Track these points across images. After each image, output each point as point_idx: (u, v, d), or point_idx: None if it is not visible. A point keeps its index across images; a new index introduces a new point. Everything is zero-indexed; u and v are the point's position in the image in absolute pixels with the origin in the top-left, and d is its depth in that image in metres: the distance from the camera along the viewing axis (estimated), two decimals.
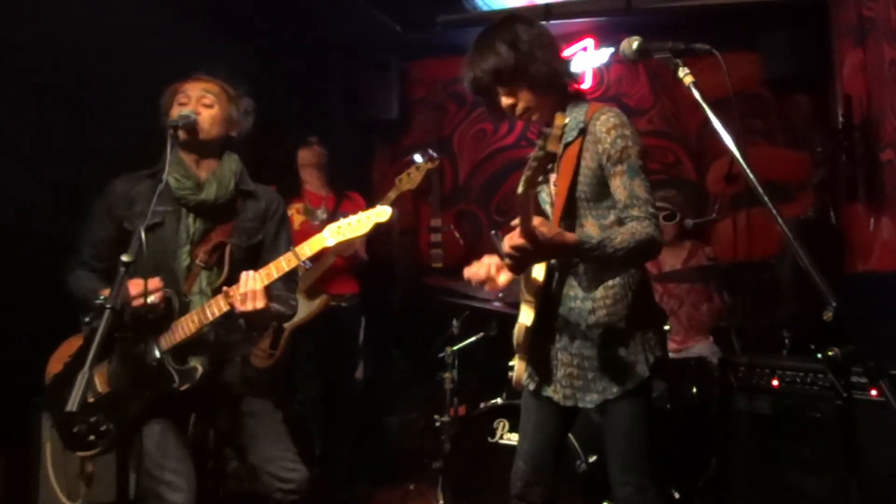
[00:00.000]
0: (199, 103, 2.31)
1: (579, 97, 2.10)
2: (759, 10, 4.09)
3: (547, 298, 2.05)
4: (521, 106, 2.03)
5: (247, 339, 2.47)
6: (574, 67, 2.13)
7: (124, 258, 1.83)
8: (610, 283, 2.01)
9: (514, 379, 2.14)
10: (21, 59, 2.88)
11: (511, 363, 2.24)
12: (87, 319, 2.18)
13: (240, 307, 2.13)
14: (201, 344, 2.27)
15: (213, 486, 2.33)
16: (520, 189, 1.66)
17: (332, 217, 3.35)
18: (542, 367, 2.11)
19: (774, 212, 1.45)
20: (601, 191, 1.98)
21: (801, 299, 3.40)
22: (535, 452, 2.14)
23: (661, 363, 2.02)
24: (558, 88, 2.06)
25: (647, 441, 2.01)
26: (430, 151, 3.76)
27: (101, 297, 1.82)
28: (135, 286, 2.11)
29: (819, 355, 1.33)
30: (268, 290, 2.17)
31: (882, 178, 3.28)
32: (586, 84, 4.58)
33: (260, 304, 2.13)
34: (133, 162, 2.41)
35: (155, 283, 2.17)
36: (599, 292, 2.01)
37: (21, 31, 2.88)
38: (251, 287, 2.13)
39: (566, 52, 4.44)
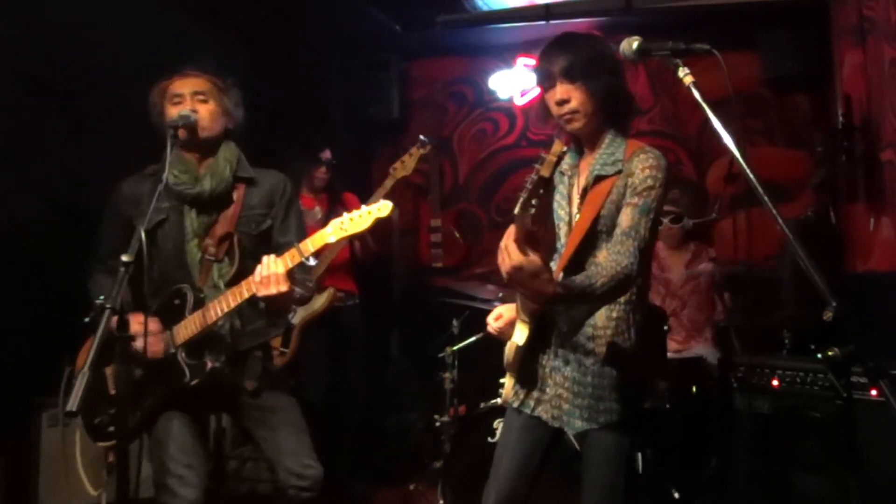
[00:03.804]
0: (194, 101, 2.30)
1: (623, 129, 2.06)
2: (759, 10, 4.09)
3: (543, 318, 2.03)
4: (572, 105, 1.98)
5: (268, 327, 2.44)
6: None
7: (124, 258, 1.85)
8: (614, 314, 1.99)
9: (503, 396, 2.17)
10: (20, 62, 2.88)
11: (502, 380, 2.24)
12: (87, 320, 2.17)
13: (262, 291, 2.10)
14: (216, 338, 2.26)
15: (213, 486, 2.32)
16: (516, 211, 1.69)
17: (327, 217, 3.36)
18: (531, 385, 2.07)
19: (774, 212, 1.45)
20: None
21: (801, 299, 3.40)
22: (505, 484, 2.07)
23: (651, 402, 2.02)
24: (612, 116, 2.04)
25: (624, 473, 1.98)
26: (422, 137, 3.77)
27: (101, 298, 1.82)
28: (136, 321, 2.07)
29: (819, 355, 1.34)
30: (290, 273, 2.14)
31: (882, 178, 3.28)
32: None
33: (283, 287, 2.10)
34: (132, 164, 2.40)
35: (155, 324, 2.18)
36: (601, 321, 1.99)
37: (20, 32, 2.88)
38: (273, 271, 2.10)
39: None
